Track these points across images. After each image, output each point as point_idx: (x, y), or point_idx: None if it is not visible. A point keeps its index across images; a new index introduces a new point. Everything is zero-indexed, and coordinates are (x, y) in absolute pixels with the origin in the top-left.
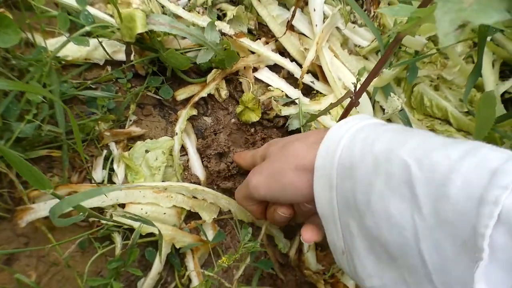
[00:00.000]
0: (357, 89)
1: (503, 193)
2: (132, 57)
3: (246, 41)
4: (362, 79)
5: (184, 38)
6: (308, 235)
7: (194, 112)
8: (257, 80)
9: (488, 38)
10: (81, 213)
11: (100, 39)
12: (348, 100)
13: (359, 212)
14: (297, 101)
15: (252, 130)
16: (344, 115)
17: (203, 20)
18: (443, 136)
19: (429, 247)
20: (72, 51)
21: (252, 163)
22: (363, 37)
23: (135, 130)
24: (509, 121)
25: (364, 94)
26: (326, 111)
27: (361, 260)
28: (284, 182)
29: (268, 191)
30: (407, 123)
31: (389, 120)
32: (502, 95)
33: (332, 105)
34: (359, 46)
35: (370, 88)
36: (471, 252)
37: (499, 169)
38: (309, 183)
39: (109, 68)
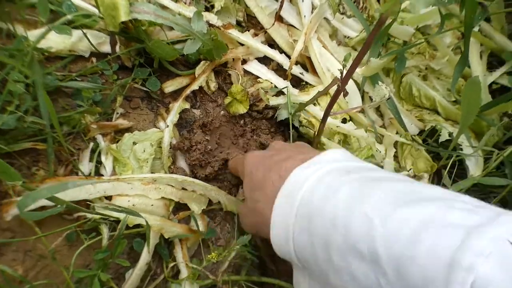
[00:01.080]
0: (344, 75)
1: (478, 259)
2: (117, 48)
3: (235, 33)
4: (349, 66)
5: (171, 29)
6: None
7: (187, 105)
8: (246, 72)
9: (476, 29)
10: (58, 206)
11: (85, 30)
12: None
13: (321, 270)
14: (285, 90)
15: (242, 122)
16: (331, 103)
17: (189, 11)
18: (410, 183)
19: None
20: (56, 42)
21: (239, 173)
22: (352, 28)
23: (123, 122)
24: (495, 109)
25: (353, 84)
26: (313, 100)
27: None
28: (268, 222)
29: (259, 234)
30: (396, 112)
31: (377, 109)
32: (490, 85)
33: (319, 93)
34: (348, 37)
35: (359, 78)
36: None
37: (473, 231)
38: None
39: (94, 60)
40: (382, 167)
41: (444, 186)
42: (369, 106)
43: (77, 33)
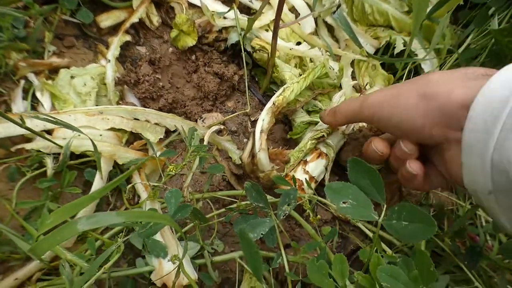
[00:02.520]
0: None
1: None
2: None
3: None
4: None
5: None
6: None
7: (128, 38)
8: (191, 5)
9: None
10: None
11: None
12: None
13: None
14: (232, 13)
15: (193, 57)
16: (278, 13)
17: None
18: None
19: None
20: None
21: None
22: None
23: (57, 60)
24: (445, 7)
25: (305, 6)
26: (261, 10)
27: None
28: (402, 103)
29: (380, 111)
30: (349, 30)
31: (332, 34)
32: None
33: (264, 3)
34: None
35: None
36: None
37: None
38: (426, 113)
39: None
40: (340, 86)
41: None
42: (319, 12)
43: None
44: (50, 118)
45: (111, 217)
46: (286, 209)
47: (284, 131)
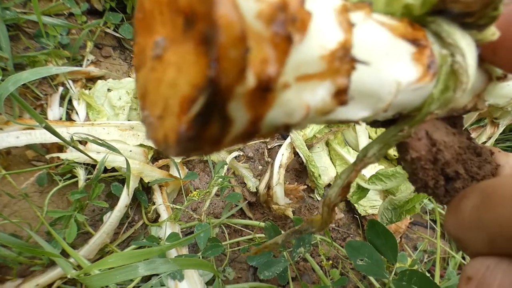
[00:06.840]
0: None
1: None
2: None
3: None
4: None
5: None
6: None
7: None
8: None
9: None
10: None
11: None
12: None
13: None
14: None
15: None
16: None
17: None
18: None
19: None
20: None
21: None
22: None
23: (94, 70)
24: None
25: None
26: None
27: None
28: None
29: None
30: None
31: None
32: None
33: None
34: None
35: None
36: None
37: None
38: None
39: None
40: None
41: None
42: None
43: None
44: (89, 135)
45: (168, 265)
46: (301, 251)
47: (298, 162)
